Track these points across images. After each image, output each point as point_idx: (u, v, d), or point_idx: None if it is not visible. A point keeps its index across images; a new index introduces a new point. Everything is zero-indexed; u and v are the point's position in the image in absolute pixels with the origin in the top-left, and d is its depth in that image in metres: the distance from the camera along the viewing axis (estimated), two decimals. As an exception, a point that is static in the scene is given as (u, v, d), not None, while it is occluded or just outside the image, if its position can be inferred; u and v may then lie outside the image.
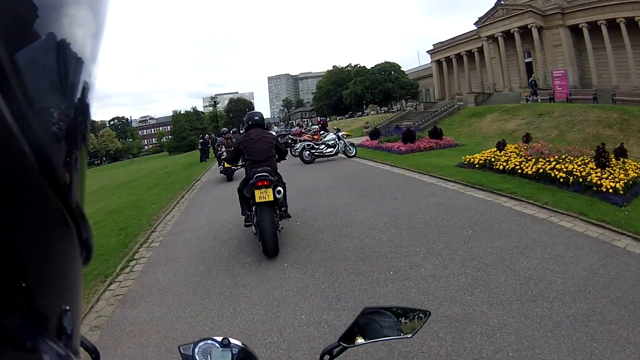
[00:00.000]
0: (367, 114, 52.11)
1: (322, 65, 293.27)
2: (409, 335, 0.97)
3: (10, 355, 0.22)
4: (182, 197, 10.35)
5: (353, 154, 14.25)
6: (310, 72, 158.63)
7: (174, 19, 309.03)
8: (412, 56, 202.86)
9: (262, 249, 4.77)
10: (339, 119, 56.41)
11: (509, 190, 6.89)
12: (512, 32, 36.16)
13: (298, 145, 14.54)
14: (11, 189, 0.22)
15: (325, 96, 72.86)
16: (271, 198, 4.69)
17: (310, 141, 14.37)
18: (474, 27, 41.47)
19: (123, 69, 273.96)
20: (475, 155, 9.95)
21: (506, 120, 20.11)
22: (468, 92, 33.79)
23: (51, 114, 0.26)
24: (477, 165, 9.56)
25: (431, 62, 49.50)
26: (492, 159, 9.32)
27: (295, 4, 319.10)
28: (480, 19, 39.47)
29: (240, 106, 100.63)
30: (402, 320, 0.99)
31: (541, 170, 7.75)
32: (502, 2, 36.85)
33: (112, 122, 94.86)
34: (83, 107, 0.29)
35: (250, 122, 5.40)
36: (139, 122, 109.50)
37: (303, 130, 22.65)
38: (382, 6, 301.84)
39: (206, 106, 68.90)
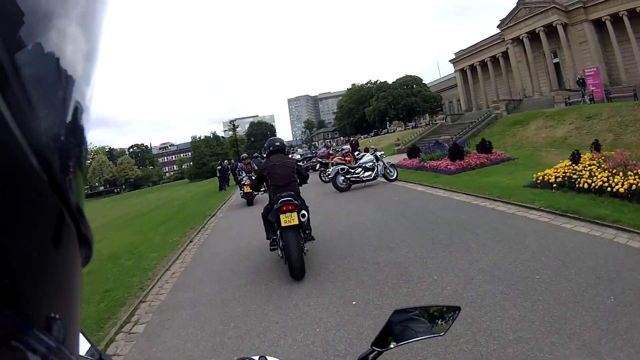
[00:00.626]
0: (393, 131, 50.46)
1: (340, 84, 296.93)
2: (442, 334, 0.97)
3: (9, 355, 0.22)
4: (191, 240, 8.54)
5: (394, 176, 12.47)
6: (330, 92, 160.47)
7: (191, 45, 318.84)
8: (432, 67, 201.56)
9: (289, 272, 4.82)
10: (364, 137, 55.05)
11: (612, 218, 5.54)
12: (537, 31, 34.42)
13: (330, 170, 12.56)
14: (11, 189, 0.22)
15: (347, 115, 72.35)
16: (296, 222, 4.77)
17: (344, 164, 12.51)
18: (493, 32, 40.13)
19: (141, 95, 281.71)
20: (548, 172, 8.40)
21: (553, 126, 18.30)
22: (497, 100, 31.85)
23: (51, 114, 0.26)
24: (554, 185, 8.14)
25: (454, 72, 48.07)
26: (571, 175, 7.91)
27: (310, 25, 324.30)
28: (502, 20, 37.91)
29: (262, 129, 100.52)
30: (433, 319, 0.99)
31: (634, 187, 6.39)
32: (524, 1, 35.51)
33: (131, 150, 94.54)
34: (83, 107, 0.29)
35: (271, 149, 5.56)
36: (159, 148, 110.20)
37: (331, 152, 21.03)
38: (395, 19, 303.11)
39: (225, 130, 67.39)
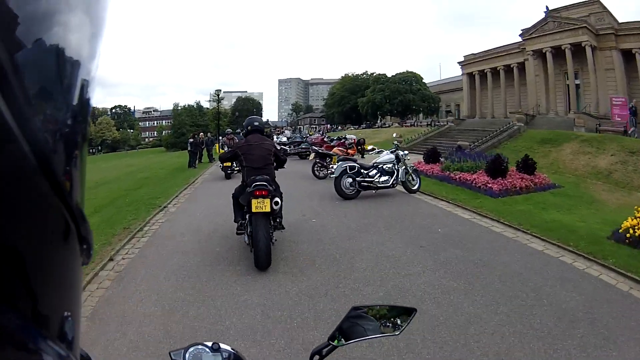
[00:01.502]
0: (388, 126, 47.10)
1: (334, 72, 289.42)
2: (397, 333, 0.99)
3: (10, 354, 0.22)
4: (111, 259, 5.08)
5: (417, 186, 9.21)
6: (322, 79, 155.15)
7: (188, 15, 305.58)
8: (430, 68, 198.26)
9: (254, 260, 4.50)
10: (353, 128, 51.40)
11: None
12: (563, 48, 31.57)
13: (334, 167, 9.01)
14: (11, 189, 0.22)
15: (337, 103, 68.72)
16: (268, 209, 4.51)
17: (354, 161, 8.97)
18: (497, 44, 37.20)
19: (133, 59, 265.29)
20: (633, 222, 5.80)
21: (592, 154, 15.30)
22: (515, 112, 28.94)
23: (51, 114, 0.26)
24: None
25: (461, 75, 44.99)
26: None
27: (310, 8, 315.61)
28: (526, 30, 34.69)
29: (248, 106, 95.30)
30: (389, 318, 1.01)
31: None
32: (554, 15, 32.44)
33: (113, 110, 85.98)
34: (83, 108, 0.29)
35: (249, 128, 5.27)
36: (143, 113, 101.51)
37: (325, 139, 17.72)
38: (396, 16, 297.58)
39: (209, 101, 59.41)
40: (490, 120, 32.97)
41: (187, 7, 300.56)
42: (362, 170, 8.57)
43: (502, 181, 9.59)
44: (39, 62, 0.24)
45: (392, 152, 9.12)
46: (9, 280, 0.22)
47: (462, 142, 17.92)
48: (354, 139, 16.23)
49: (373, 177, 8.59)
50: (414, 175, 9.30)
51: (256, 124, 5.30)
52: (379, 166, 8.77)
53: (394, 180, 8.77)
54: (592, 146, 16.37)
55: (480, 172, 10.46)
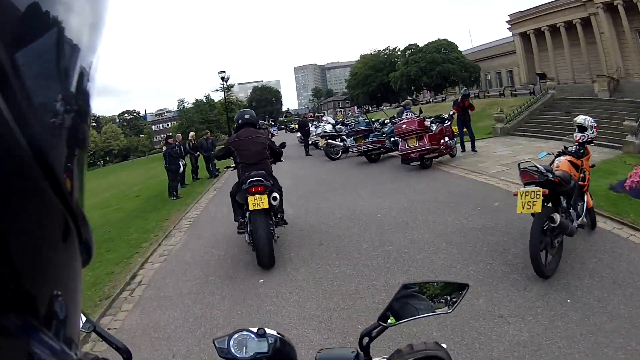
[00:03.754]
0: (442, 100, 38.74)
1: (349, 55, 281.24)
2: (449, 310, 0.96)
3: (9, 354, 0.22)
4: None
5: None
6: (338, 62, 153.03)
7: (194, 9, 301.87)
8: (459, 36, 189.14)
9: (256, 260, 4.45)
10: (385, 107, 44.45)
11: None
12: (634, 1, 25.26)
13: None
14: (11, 189, 0.22)
15: (362, 83, 63.51)
16: (266, 205, 4.39)
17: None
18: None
19: (141, 63, 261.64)
20: None
21: None
22: (600, 75, 22.94)
23: (51, 114, 0.26)
24: None
25: (512, 36, 38.79)
26: None
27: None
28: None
29: (266, 95, 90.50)
30: (441, 295, 0.98)
31: None
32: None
33: (121, 117, 76.48)
34: (83, 108, 0.29)
35: (240, 122, 5.16)
36: (155, 115, 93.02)
37: (427, 121, 9.77)
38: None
39: (217, 90, 46.29)
40: (561, 86, 26.85)
41: (189, 4, 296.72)
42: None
43: None
44: (39, 62, 0.24)
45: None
46: (9, 280, 0.22)
47: (630, 122, 11.71)
48: (451, 114, 10.73)
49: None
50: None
51: (247, 116, 5.22)
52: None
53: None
54: None
55: None
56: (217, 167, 13.42)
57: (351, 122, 14.24)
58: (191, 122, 49.52)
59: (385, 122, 13.32)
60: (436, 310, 0.95)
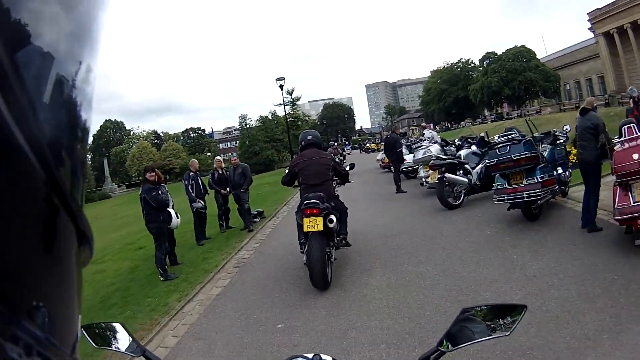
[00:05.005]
0: (537, 112, 36.93)
1: (419, 71, 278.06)
2: (507, 333, 0.94)
3: (7, 353, 0.22)
4: None
5: None
6: (408, 79, 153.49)
7: (265, 30, 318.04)
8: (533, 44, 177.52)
9: (310, 280, 4.45)
10: (469, 123, 42.94)
11: None
12: None
13: None
14: (11, 188, 0.22)
15: (437, 99, 62.94)
16: (320, 228, 4.36)
17: None
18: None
19: (212, 83, 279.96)
20: None
21: None
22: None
23: (52, 114, 0.26)
24: None
25: (594, 37, 36.39)
26: None
27: (383, 10, 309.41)
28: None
29: (338, 112, 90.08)
30: (499, 317, 0.97)
31: None
32: None
33: (185, 134, 72.13)
34: (83, 108, 0.29)
35: (303, 143, 5.19)
36: (222, 133, 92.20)
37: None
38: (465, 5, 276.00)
39: (281, 104, 29.22)
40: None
41: (260, 21, 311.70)
42: None
43: None
44: (39, 62, 0.24)
45: None
46: (8, 280, 0.22)
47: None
48: None
49: None
50: None
51: (309, 137, 5.21)
52: None
53: None
54: None
55: None
56: (255, 213, 9.56)
57: (478, 142, 9.31)
58: (254, 140, 44.51)
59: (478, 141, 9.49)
60: (493, 334, 0.94)
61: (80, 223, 0.29)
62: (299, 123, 34.21)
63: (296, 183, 5.20)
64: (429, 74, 69.30)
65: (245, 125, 50.69)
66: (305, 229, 4.41)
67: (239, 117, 54.19)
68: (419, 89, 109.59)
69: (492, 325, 0.95)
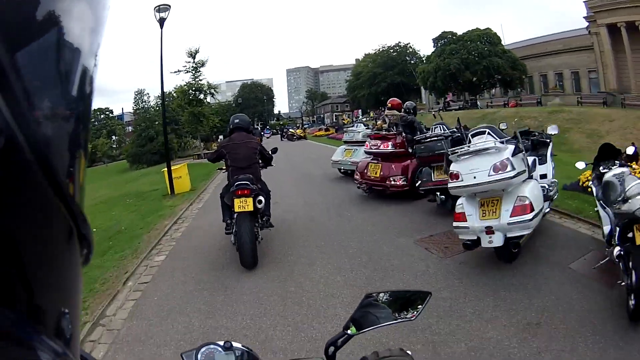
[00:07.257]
0: (505, 104, 30.60)
1: (344, 58, 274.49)
2: (412, 318, 0.97)
3: (8, 353, 0.22)
4: None
5: None
6: (332, 65, 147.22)
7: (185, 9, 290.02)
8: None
9: (239, 260, 4.60)
10: (435, 109, 33.44)
11: None
12: None
13: None
14: (11, 188, 0.22)
15: (368, 84, 53.18)
16: (251, 208, 4.56)
17: None
18: None
19: (131, 64, 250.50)
20: None
21: None
22: None
23: (52, 114, 0.26)
24: None
25: (587, 28, 29.12)
26: None
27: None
28: None
29: (257, 93, 79.07)
30: (403, 303, 0.99)
31: None
32: None
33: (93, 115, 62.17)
34: (83, 107, 0.29)
35: (231, 126, 5.29)
36: (133, 115, 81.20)
37: None
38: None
39: (176, 71, 26.21)
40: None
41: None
42: None
43: None
44: (39, 62, 0.24)
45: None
46: (8, 279, 0.22)
47: None
48: None
49: None
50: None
51: (237, 121, 5.30)
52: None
53: None
54: None
55: None
56: None
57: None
58: (151, 122, 37.22)
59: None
60: (397, 318, 0.97)
61: (81, 222, 0.29)
62: (201, 97, 27.30)
63: (223, 167, 5.42)
64: (355, 61, 62.47)
65: (142, 103, 42.91)
66: (236, 209, 4.51)
67: (135, 92, 45.74)
68: (343, 75, 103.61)
69: (396, 310, 0.97)
